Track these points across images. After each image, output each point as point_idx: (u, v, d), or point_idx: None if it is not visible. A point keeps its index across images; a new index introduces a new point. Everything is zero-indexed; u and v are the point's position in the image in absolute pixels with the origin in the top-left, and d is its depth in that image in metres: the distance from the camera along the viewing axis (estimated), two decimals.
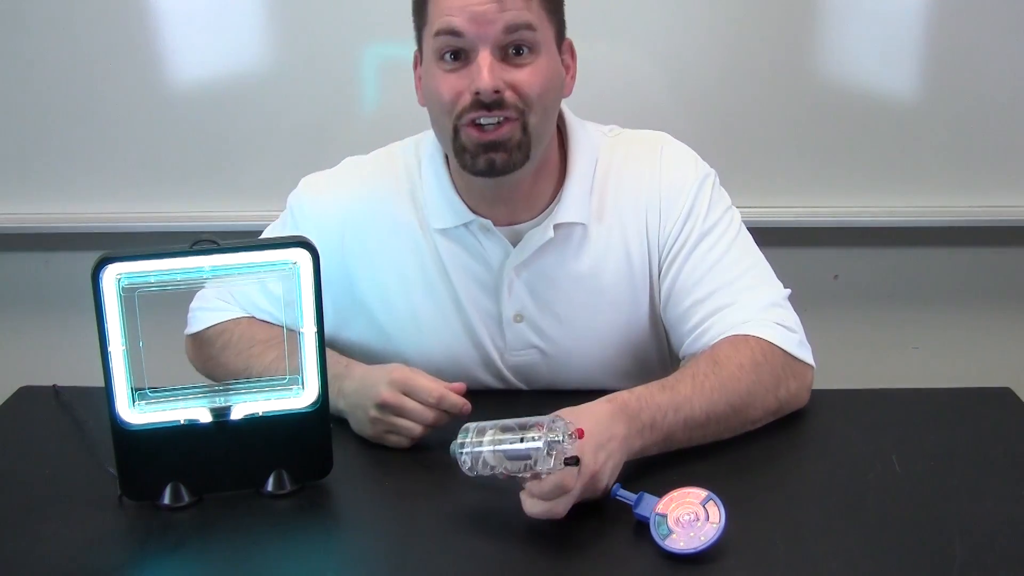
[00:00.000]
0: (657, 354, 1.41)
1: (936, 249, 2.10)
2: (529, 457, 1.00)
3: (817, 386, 1.39)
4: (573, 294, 1.35)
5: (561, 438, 0.99)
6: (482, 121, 1.21)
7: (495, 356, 1.37)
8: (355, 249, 1.36)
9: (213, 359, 1.38)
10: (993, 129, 1.96)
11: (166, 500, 1.11)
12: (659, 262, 1.35)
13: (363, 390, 1.22)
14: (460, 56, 1.22)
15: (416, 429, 1.20)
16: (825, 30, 1.93)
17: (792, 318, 1.31)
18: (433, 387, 1.19)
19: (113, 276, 1.04)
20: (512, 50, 1.21)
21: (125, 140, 1.97)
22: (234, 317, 1.39)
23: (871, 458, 1.19)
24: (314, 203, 1.38)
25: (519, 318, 1.35)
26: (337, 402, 1.23)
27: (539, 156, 1.28)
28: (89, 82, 1.94)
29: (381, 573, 1.04)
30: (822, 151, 1.98)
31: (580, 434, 1.00)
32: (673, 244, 1.33)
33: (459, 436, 1.06)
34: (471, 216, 1.32)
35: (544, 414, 1.10)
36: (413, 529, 1.06)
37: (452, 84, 1.22)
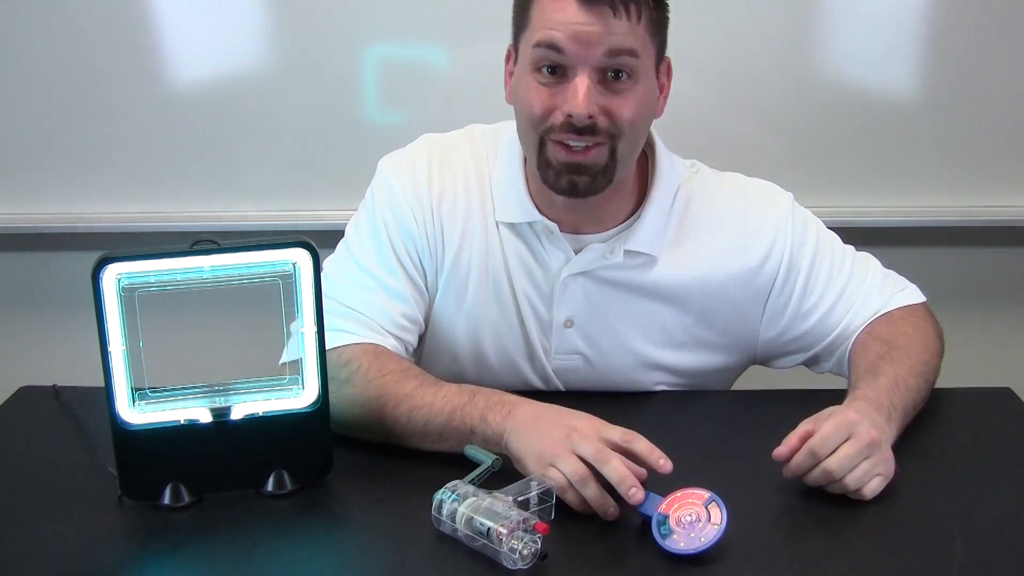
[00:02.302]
0: (711, 377, 1.43)
1: (936, 249, 2.10)
2: (492, 548, 0.99)
3: (818, 386, 1.39)
4: (627, 308, 1.36)
5: (519, 546, 0.97)
6: (570, 143, 1.21)
7: (541, 355, 1.38)
8: (434, 230, 1.35)
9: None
10: (993, 129, 1.96)
11: (166, 500, 1.11)
12: (764, 298, 1.37)
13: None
14: (557, 71, 1.20)
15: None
16: (825, 31, 1.93)
17: (899, 277, 1.42)
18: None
19: (113, 276, 1.04)
20: (611, 73, 1.20)
21: (125, 140, 1.97)
22: (361, 344, 1.29)
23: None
24: (398, 187, 1.35)
25: (569, 323, 1.36)
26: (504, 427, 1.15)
27: (620, 178, 1.28)
28: (89, 82, 1.94)
29: (381, 573, 1.04)
30: (822, 151, 1.98)
31: (544, 530, 0.98)
32: (786, 278, 1.36)
33: (444, 490, 1.04)
34: (537, 216, 1.32)
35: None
36: (413, 529, 1.06)
37: (545, 99, 1.21)
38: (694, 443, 1.28)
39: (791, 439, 1.11)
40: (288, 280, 1.11)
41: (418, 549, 1.04)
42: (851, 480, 1.09)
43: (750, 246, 1.35)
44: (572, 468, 1.06)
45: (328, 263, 1.37)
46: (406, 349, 1.34)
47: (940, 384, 1.40)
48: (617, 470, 1.05)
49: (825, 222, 2.03)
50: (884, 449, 1.12)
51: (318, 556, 1.05)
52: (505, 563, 0.98)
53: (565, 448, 1.08)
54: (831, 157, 1.98)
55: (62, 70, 1.93)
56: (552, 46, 1.18)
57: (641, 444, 1.07)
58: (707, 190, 1.37)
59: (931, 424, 1.30)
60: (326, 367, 1.13)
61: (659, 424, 1.33)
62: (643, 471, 1.07)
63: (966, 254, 2.10)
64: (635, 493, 1.04)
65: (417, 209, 1.34)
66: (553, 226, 1.31)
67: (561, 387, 1.40)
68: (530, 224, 1.33)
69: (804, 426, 1.12)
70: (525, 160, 1.33)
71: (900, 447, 1.21)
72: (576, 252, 1.33)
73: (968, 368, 2.10)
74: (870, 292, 1.38)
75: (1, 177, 2.01)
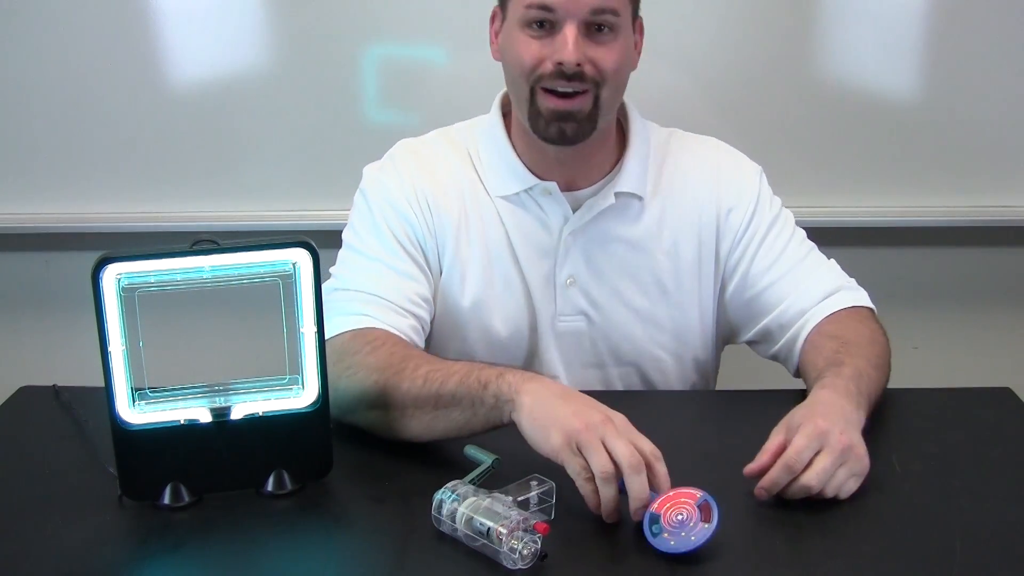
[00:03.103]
0: (700, 336, 1.47)
1: (936, 249, 2.10)
2: (492, 548, 0.99)
3: None
4: (624, 262, 1.42)
5: (519, 546, 0.97)
6: (559, 89, 1.30)
7: (546, 322, 1.43)
8: (430, 216, 1.40)
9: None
10: (993, 129, 1.96)
11: (166, 500, 1.11)
12: (727, 251, 1.43)
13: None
14: (546, 25, 1.30)
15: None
16: (825, 30, 1.93)
17: (854, 281, 1.44)
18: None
19: (113, 276, 1.04)
20: (595, 27, 1.30)
21: (125, 140, 1.97)
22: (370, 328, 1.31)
23: (871, 458, 1.19)
24: (389, 183, 1.41)
25: (571, 281, 1.41)
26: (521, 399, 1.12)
27: (603, 126, 1.36)
28: (89, 82, 1.94)
29: (381, 573, 1.04)
30: (822, 151, 1.98)
31: (544, 530, 0.98)
32: (744, 234, 1.43)
33: (444, 490, 1.04)
34: (534, 180, 1.39)
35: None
36: (413, 529, 1.06)
37: (535, 50, 1.30)
38: (693, 443, 1.28)
39: (763, 456, 1.11)
40: (288, 280, 1.11)
41: (418, 549, 1.04)
42: (829, 490, 1.09)
43: (721, 196, 1.43)
44: (601, 463, 1.02)
45: (334, 269, 1.40)
46: (422, 327, 1.38)
47: (940, 384, 1.41)
48: (642, 485, 1.02)
49: (823, 222, 2.04)
50: (857, 448, 1.11)
51: (318, 556, 1.05)
52: (505, 563, 0.98)
53: (597, 437, 1.04)
54: (831, 157, 1.98)
55: (62, 70, 1.93)
56: (543, 6, 1.28)
57: (662, 467, 1.05)
58: (683, 146, 1.47)
59: (931, 424, 1.30)
60: (326, 367, 1.13)
61: (658, 424, 1.33)
62: None
63: (966, 254, 2.10)
64: (641, 514, 1.02)
65: (411, 197, 1.40)
66: (551, 185, 1.39)
67: (560, 369, 1.43)
68: (528, 191, 1.40)
69: (775, 439, 1.11)
70: (510, 137, 1.41)
71: (899, 446, 1.22)
72: (574, 211, 1.40)
73: (968, 368, 2.11)
74: (822, 278, 1.42)
75: (1, 177, 2.01)
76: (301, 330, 1.12)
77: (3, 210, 2.03)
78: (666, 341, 1.45)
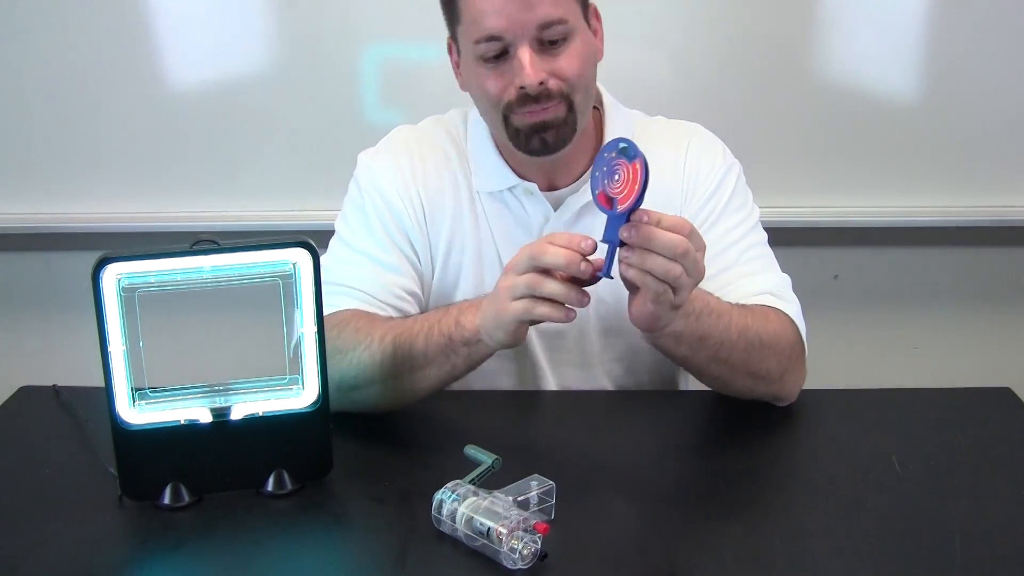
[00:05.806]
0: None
1: (936, 249, 2.10)
2: (492, 548, 0.99)
3: (817, 386, 1.39)
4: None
5: (519, 546, 0.97)
6: (530, 111, 1.28)
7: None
8: (421, 210, 1.40)
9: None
10: (993, 129, 1.97)
11: (166, 500, 1.11)
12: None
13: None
14: (501, 55, 1.27)
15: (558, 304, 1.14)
16: (826, 30, 1.94)
17: (799, 308, 1.35)
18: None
19: (113, 276, 1.04)
20: (548, 41, 1.26)
21: (125, 140, 1.98)
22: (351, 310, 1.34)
23: (871, 458, 1.20)
24: (382, 174, 1.40)
25: None
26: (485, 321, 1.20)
27: (582, 126, 1.33)
28: (89, 82, 1.94)
29: (381, 573, 1.04)
30: (822, 151, 1.98)
31: (544, 530, 0.99)
32: (696, 217, 1.37)
33: (444, 490, 1.04)
34: (516, 180, 1.38)
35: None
36: (413, 529, 1.06)
37: (496, 81, 1.28)
38: (690, 443, 1.28)
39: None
40: (288, 280, 1.11)
41: (418, 549, 1.04)
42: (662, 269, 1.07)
43: (687, 178, 1.40)
44: (515, 282, 1.11)
45: (323, 259, 1.38)
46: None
47: (940, 384, 1.41)
48: (554, 252, 1.09)
49: (823, 222, 2.05)
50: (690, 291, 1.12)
51: (318, 556, 1.05)
52: (505, 563, 0.98)
53: (503, 284, 1.13)
54: (831, 157, 1.98)
55: (62, 70, 1.93)
56: (491, 38, 1.25)
57: (560, 239, 1.11)
58: (657, 137, 1.42)
59: (931, 424, 1.30)
60: (326, 367, 1.13)
61: (654, 425, 1.34)
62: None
63: (966, 254, 2.11)
64: (586, 267, 1.08)
65: (402, 189, 1.40)
66: (532, 186, 1.38)
67: (546, 366, 1.41)
68: (510, 189, 1.39)
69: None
70: (493, 135, 1.39)
71: (899, 446, 1.22)
72: (555, 209, 1.38)
73: (968, 368, 2.11)
74: (770, 280, 1.35)
75: (1, 177, 2.01)
76: (301, 330, 1.12)
77: (3, 210, 2.03)
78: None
